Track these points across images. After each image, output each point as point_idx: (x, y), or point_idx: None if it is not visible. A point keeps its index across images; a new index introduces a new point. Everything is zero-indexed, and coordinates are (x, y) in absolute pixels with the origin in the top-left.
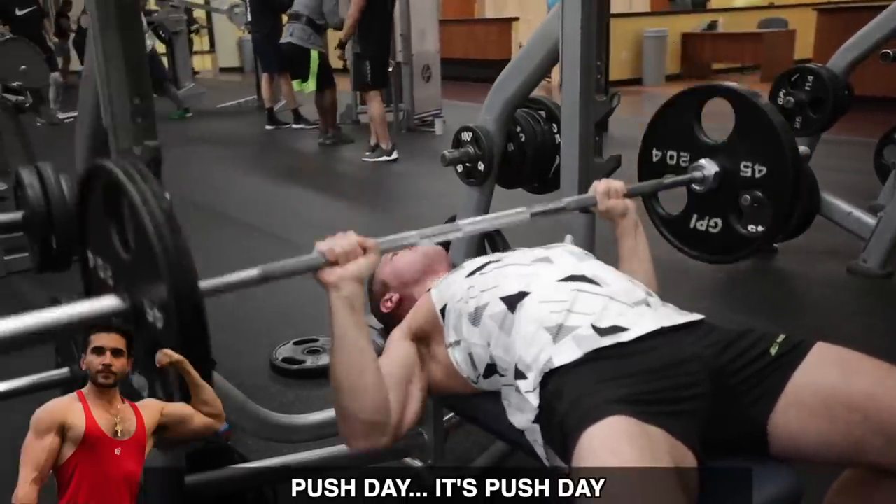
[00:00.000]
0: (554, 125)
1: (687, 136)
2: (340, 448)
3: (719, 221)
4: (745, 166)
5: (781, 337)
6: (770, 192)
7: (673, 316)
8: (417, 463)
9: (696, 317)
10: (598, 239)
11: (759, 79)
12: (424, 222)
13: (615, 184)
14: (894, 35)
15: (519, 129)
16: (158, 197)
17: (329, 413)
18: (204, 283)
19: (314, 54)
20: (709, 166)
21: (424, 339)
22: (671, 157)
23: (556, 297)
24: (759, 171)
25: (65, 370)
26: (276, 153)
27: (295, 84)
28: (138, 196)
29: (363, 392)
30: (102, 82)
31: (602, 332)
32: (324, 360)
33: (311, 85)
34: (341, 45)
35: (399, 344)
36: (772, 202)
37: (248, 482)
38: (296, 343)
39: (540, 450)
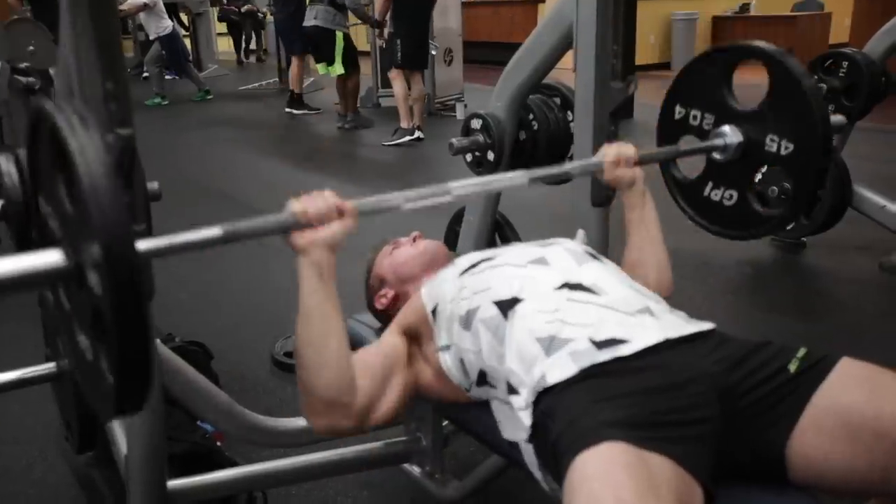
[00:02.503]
0: (569, 112)
1: (714, 97)
2: (335, 452)
3: (735, 194)
4: (772, 140)
5: (802, 351)
6: (793, 173)
7: (679, 325)
8: (416, 469)
9: (706, 325)
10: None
11: None
12: (441, 210)
13: (626, 150)
14: None
15: (531, 116)
16: (97, 147)
17: None
18: (147, 243)
19: (339, 35)
20: (732, 135)
21: (415, 337)
22: (694, 116)
23: (549, 307)
24: (786, 147)
25: (51, 365)
26: (296, 137)
27: (320, 67)
28: (76, 145)
29: (324, 367)
30: (73, 65)
31: (599, 345)
32: None
33: (337, 68)
34: (379, 25)
35: (388, 338)
36: (793, 184)
37: (237, 487)
38: None
39: (536, 471)
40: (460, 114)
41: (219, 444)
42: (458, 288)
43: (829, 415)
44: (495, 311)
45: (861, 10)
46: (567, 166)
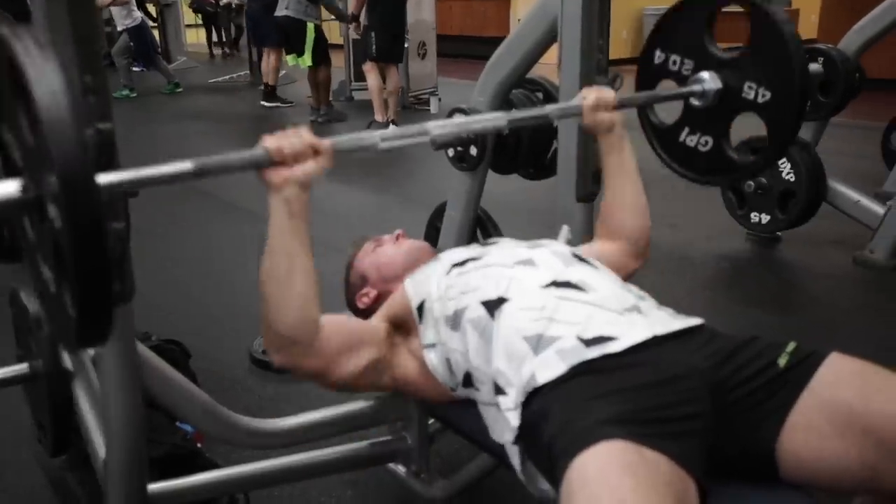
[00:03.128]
0: None
1: (695, 44)
2: (318, 453)
3: (710, 140)
4: (750, 87)
5: (791, 346)
6: (769, 121)
7: (668, 321)
8: (401, 469)
9: (695, 321)
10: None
11: None
12: (420, 203)
13: (605, 94)
14: None
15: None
16: (55, 75)
17: (305, 417)
18: (109, 176)
19: (310, 27)
20: (711, 81)
21: (400, 328)
22: (674, 62)
23: (536, 305)
24: (763, 95)
25: (23, 366)
26: (270, 131)
27: (290, 59)
28: (33, 73)
29: (286, 305)
30: None
31: (588, 342)
32: None
33: (306, 60)
34: (355, 19)
35: (372, 319)
36: (768, 132)
37: (220, 489)
38: None
39: (521, 473)
40: (434, 108)
41: (199, 445)
42: (446, 287)
43: (819, 411)
44: (482, 311)
45: (829, 6)
46: (547, 109)
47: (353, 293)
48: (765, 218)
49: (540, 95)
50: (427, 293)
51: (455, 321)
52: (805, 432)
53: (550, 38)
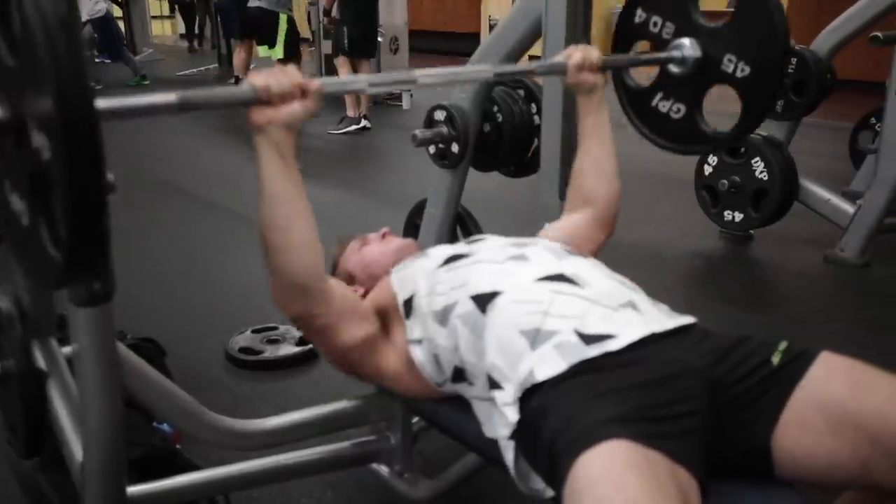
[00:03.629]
0: (533, 105)
1: (679, 7)
2: (300, 454)
3: (683, 108)
4: (730, 60)
5: (783, 345)
6: (745, 96)
7: (662, 319)
8: (384, 469)
9: (688, 319)
10: None
11: None
12: (394, 199)
13: (591, 54)
14: (881, 17)
15: (496, 108)
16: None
17: (288, 417)
18: (103, 103)
19: (283, 18)
20: (691, 49)
21: (385, 319)
22: (655, 23)
23: (531, 298)
24: (742, 70)
25: None
26: (239, 124)
27: (262, 50)
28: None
29: (293, 250)
30: None
31: (588, 339)
32: (284, 350)
33: (278, 51)
34: (326, 13)
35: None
36: (742, 107)
37: (200, 491)
38: (254, 331)
39: (513, 469)
40: (406, 103)
41: (178, 446)
42: (435, 283)
43: (812, 408)
44: (472, 306)
45: (795, 6)
46: (533, 65)
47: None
48: (738, 216)
49: (521, 93)
50: (415, 289)
51: (443, 317)
52: (798, 429)
53: (534, 34)
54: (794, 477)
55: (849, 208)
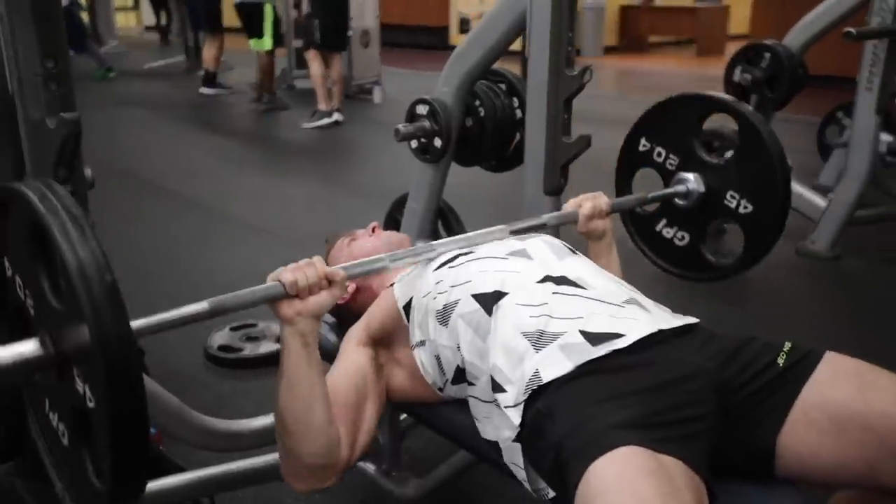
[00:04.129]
0: (515, 99)
1: (682, 141)
2: None
3: (687, 236)
4: (732, 196)
5: (788, 345)
6: (748, 232)
7: (669, 318)
8: (370, 467)
9: (691, 320)
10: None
11: (695, 53)
12: (370, 193)
13: (600, 203)
14: (852, 13)
15: (478, 102)
16: (99, 268)
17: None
18: (143, 322)
19: (268, 8)
20: (695, 183)
21: (385, 340)
22: (659, 154)
23: (534, 301)
24: (745, 207)
25: None
26: (212, 118)
27: (252, 43)
28: (69, 253)
29: (311, 435)
30: (6, 41)
31: (594, 339)
32: (264, 347)
33: (266, 42)
34: (296, 5)
35: (353, 352)
36: (746, 242)
37: (185, 494)
38: (233, 329)
39: (520, 472)
40: (378, 97)
41: (161, 447)
42: (435, 282)
43: (818, 409)
44: (476, 305)
45: (759, 2)
46: (543, 218)
47: None
48: None
49: (503, 87)
50: (415, 291)
51: (444, 316)
52: (804, 430)
53: (518, 29)
54: (798, 477)
55: (820, 202)
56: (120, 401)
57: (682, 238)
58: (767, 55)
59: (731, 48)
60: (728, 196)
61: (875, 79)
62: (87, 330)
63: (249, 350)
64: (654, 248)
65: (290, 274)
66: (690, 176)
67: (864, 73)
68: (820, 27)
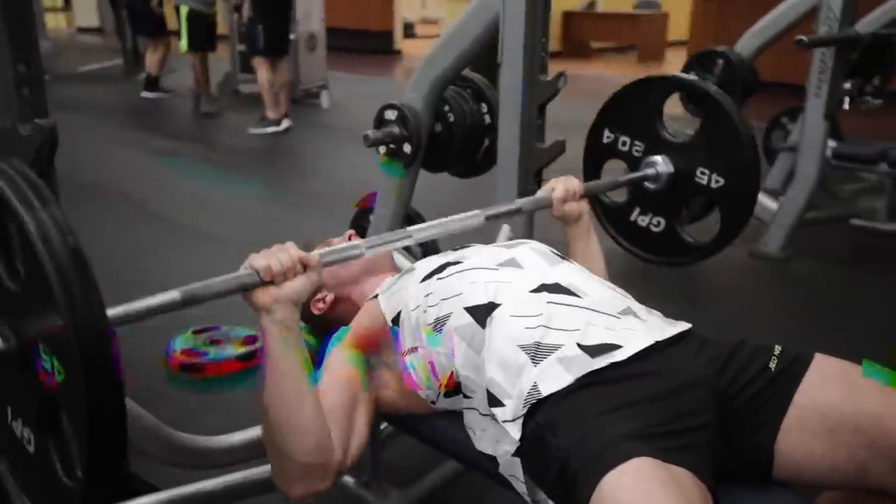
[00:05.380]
0: (483, 105)
1: (646, 126)
2: (260, 470)
3: (663, 221)
4: (702, 173)
5: (778, 349)
6: (724, 205)
7: (664, 327)
8: (349, 480)
9: (685, 325)
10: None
11: (636, 59)
12: (318, 198)
13: (572, 185)
14: (803, 20)
15: (447, 108)
16: (62, 229)
17: (251, 433)
18: (113, 311)
19: (183, 10)
20: (664, 165)
21: (373, 351)
22: (623, 143)
23: (529, 311)
24: (717, 181)
25: None
26: (154, 123)
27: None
28: (35, 229)
29: (302, 432)
30: None
31: (592, 351)
32: (228, 351)
33: (182, 44)
34: (237, 9)
35: (341, 362)
36: (723, 216)
37: None
38: (195, 332)
39: (519, 484)
40: (325, 102)
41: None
42: (424, 294)
43: (811, 413)
44: (469, 318)
45: (698, 10)
46: (517, 203)
47: (307, 300)
48: None
49: (470, 92)
50: (403, 303)
51: (437, 328)
52: (798, 433)
53: (490, 35)
54: (791, 479)
55: (772, 204)
56: (94, 373)
57: (658, 224)
58: (720, 61)
59: (671, 54)
60: (698, 173)
61: (823, 86)
62: (52, 301)
63: (213, 354)
64: (632, 239)
65: (262, 259)
66: (658, 158)
67: (813, 80)
68: (771, 34)
